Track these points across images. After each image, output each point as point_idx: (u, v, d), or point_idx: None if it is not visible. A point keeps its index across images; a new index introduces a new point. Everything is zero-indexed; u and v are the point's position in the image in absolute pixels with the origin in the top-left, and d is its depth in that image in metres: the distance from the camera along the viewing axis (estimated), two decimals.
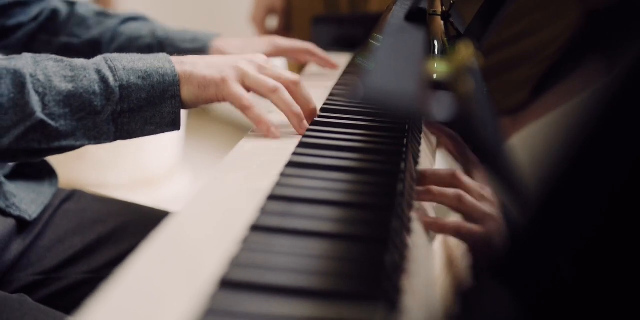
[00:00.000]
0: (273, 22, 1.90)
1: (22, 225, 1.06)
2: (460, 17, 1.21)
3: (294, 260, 0.56)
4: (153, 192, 2.79)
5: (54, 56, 0.85)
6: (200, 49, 1.22)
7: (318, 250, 0.58)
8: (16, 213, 1.05)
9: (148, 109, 0.85)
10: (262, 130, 0.89)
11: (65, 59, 0.85)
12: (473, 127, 0.47)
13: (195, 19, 4.21)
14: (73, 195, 1.15)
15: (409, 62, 0.58)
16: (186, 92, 0.87)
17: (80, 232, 1.09)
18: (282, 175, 0.73)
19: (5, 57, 0.84)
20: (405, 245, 0.63)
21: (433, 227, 0.75)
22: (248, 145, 0.86)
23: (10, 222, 1.05)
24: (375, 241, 0.59)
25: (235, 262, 0.54)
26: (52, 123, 0.81)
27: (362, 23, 1.66)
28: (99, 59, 0.86)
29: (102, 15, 1.28)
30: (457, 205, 0.75)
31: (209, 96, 0.88)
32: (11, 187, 1.05)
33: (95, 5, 3.27)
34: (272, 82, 0.90)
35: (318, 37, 1.65)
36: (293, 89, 0.92)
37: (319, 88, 1.18)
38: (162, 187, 2.85)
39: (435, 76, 0.53)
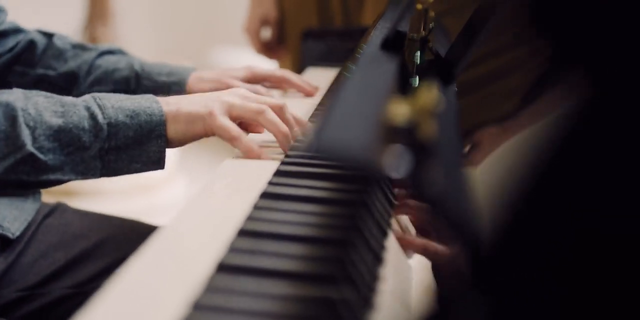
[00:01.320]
0: (267, 33, 1.90)
1: (5, 243, 1.07)
2: (445, 36, 1.22)
3: (256, 301, 0.57)
4: (150, 198, 2.80)
5: (43, 92, 0.88)
6: (177, 83, 1.24)
7: (280, 290, 0.58)
8: None
9: (134, 147, 0.87)
10: (252, 157, 0.91)
11: (55, 95, 0.88)
12: (430, 180, 0.48)
13: (191, 21, 4.23)
14: (55, 209, 1.16)
15: (372, 103, 0.59)
16: (173, 131, 0.89)
17: (63, 247, 1.10)
18: (255, 207, 0.74)
19: None
20: (374, 276, 0.64)
21: (402, 242, 0.77)
22: (234, 163, 0.89)
23: None
24: (332, 279, 0.60)
25: (197, 305, 0.55)
26: (42, 156, 0.84)
27: (353, 36, 1.67)
28: (88, 97, 0.88)
29: (79, 47, 1.27)
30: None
31: (197, 131, 0.90)
32: None
33: (89, 9, 3.25)
34: (257, 105, 0.92)
35: (308, 51, 1.65)
36: (279, 112, 0.94)
37: (304, 104, 1.21)
38: (159, 193, 2.86)
39: (396, 122, 0.54)
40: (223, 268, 0.61)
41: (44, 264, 1.08)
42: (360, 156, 0.45)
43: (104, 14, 3.33)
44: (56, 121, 0.84)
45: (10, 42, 1.25)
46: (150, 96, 0.91)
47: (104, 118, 0.86)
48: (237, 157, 0.92)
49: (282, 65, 1.91)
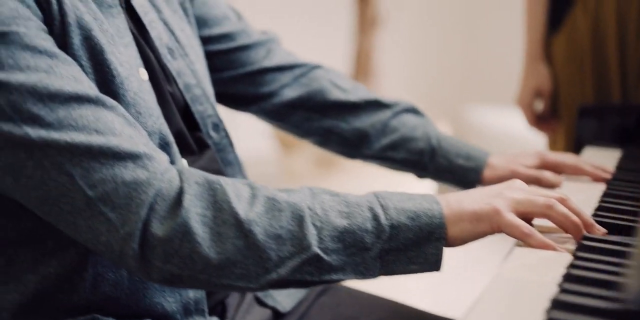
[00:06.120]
0: (540, 105, 1.84)
1: (277, 316, 1.10)
2: None
3: None
4: None
5: (328, 190, 0.89)
6: (474, 169, 1.22)
7: None
8: (271, 304, 1.09)
9: (413, 249, 0.85)
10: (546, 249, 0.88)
11: (339, 193, 0.88)
12: None
13: (444, 78, 4.23)
14: (329, 289, 1.17)
15: None
16: (457, 231, 0.87)
17: None
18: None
19: (284, 189, 0.88)
20: None
21: None
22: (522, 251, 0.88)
23: (266, 313, 1.09)
24: None
25: None
26: (326, 257, 0.84)
27: (632, 114, 1.59)
28: (371, 197, 0.88)
29: (374, 103, 1.27)
30: None
31: (484, 229, 0.88)
32: None
33: (355, 67, 3.32)
34: (545, 199, 0.90)
35: (583, 128, 1.59)
36: (565, 204, 0.91)
37: (585, 190, 1.16)
38: None
39: None
40: None
41: None
42: None
43: (367, 72, 3.41)
44: (341, 222, 0.84)
45: (286, 77, 1.27)
46: (430, 197, 0.89)
47: (387, 219, 0.85)
48: (523, 245, 0.89)
49: (554, 139, 1.85)
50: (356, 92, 1.28)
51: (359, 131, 1.26)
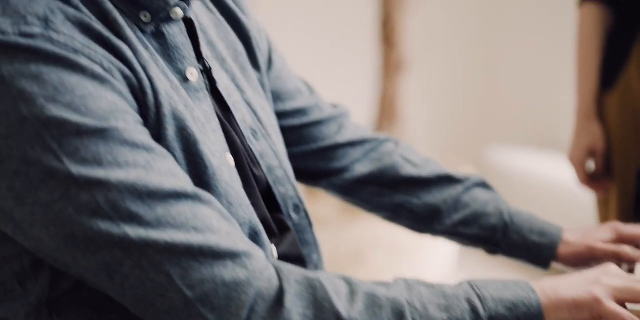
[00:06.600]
0: (591, 163, 1.81)
1: None
2: None
3: None
4: None
5: (423, 281, 0.88)
6: (549, 246, 1.20)
7: None
8: None
9: None
10: None
11: (435, 284, 0.87)
12: None
13: (467, 119, 4.21)
14: None
15: None
16: (555, 319, 0.87)
17: None
18: None
19: (379, 283, 0.87)
20: None
21: None
22: None
23: None
24: None
25: None
26: None
27: None
28: (466, 287, 0.87)
29: (445, 178, 1.25)
30: None
31: (583, 318, 0.87)
32: None
33: (379, 111, 3.32)
34: None
35: None
36: None
37: None
38: None
39: None
40: None
41: None
42: None
43: (392, 116, 3.39)
44: (441, 315, 0.84)
45: (357, 152, 1.25)
46: (525, 284, 0.88)
47: (485, 311, 0.85)
48: None
49: (605, 199, 1.81)
50: (427, 167, 1.26)
51: (431, 207, 1.24)
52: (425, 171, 1.25)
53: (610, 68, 1.76)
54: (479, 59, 4.19)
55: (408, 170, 1.25)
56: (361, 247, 3.03)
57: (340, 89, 3.91)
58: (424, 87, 3.84)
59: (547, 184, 3.59)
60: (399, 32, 3.28)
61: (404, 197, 1.25)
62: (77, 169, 0.77)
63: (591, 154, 1.79)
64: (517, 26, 4.07)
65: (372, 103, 3.39)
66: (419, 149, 1.33)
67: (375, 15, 3.27)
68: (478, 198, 1.24)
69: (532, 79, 3.99)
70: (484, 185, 1.27)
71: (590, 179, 1.81)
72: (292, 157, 1.20)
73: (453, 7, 4.09)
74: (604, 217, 1.79)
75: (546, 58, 3.87)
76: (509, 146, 3.94)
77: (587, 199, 1.86)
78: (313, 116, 1.22)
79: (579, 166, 1.80)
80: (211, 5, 1.09)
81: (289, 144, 1.19)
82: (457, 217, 1.23)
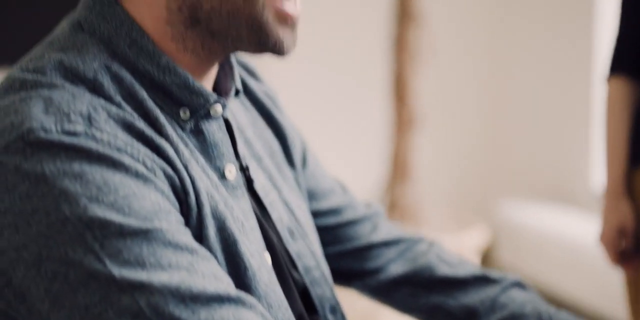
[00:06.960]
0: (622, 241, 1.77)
1: None
2: None
3: None
4: None
5: None
6: None
7: None
8: None
9: None
10: None
11: None
12: None
13: (475, 173, 4.18)
14: None
15: None
16: None
17: None
18: None
19: None
20: None
21: None
22: None
23: None
24: None
25: None
26: None
27: None
28: None
29: (482, 278, 1.20)
30: None
31: None
32: None
33: (391, 170, 3.28)
34: None
35: None
36: None
37: None
38: None
39: None
40: None
41: None
42: None
43: (404, 173, 3.35)
44: None
45: (392, 252, 1.21)
46: None
47: None
48: None
49: (635, 278, 1.77)
50: (463, 267, 1.22)
51: (468, 308, 1.19)
52: (461, 271, 1.21)
53: (638, 145, 1.73)
54: (490, 114, 4.18)
55: (444, 270, 1.21)
56: None
57: (352, 146, 3.89)
58: (434, 143, 3.82)
59: (561, 239, 3.55)
60: (410, 89, 3.26)
61: (440, 298, 1.20)
62: (119, 271, 0.73)
63: (621, 233, 1.75)
64: (526, 81, 4.06)
65: (383, 160, 3.37)
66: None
67: (387, 73, 3.25)
68: (515, 298, 1.20)
69: (544, 133, 3.97)
70: (520, 285, 1.22)
71: (621, 257, 1.77)
72: (326, 257, 1.17)
73: (461, 64, 4.10)
74: (635, 298, 1.75)
75: (558, 111, 3.86)
76: (522, 201, 3.92)
77: (603, 255, 1.81)
78: (347, 215, 1.19)
79: (610, 246, 1.75)
80: (248, 104, 1.07)
81: (323, 243, 1.16)
82: (494, 318, 1.18)
